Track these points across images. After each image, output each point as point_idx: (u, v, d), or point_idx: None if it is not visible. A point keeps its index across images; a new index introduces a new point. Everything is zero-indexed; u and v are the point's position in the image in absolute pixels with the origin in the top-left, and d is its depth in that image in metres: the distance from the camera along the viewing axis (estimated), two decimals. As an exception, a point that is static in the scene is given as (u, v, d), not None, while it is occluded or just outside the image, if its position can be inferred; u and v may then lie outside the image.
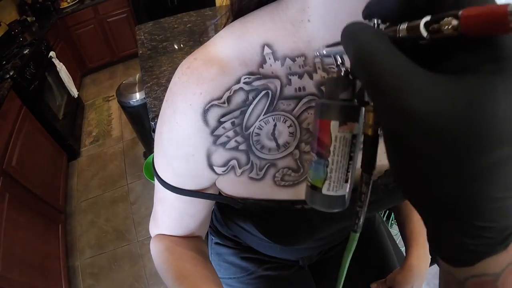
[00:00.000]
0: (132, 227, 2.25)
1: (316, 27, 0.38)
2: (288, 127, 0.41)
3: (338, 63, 0.27)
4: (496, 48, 0.17)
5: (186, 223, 0.56)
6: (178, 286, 0.49)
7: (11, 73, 2.15)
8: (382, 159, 0.50)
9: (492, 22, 0.16)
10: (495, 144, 0.17)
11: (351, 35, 0.22)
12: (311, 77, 0.40)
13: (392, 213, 1.53)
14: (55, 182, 2.35)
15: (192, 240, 0.59)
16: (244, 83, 0.38)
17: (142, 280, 1.94)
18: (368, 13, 0.23)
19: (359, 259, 0.83)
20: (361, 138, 0.27)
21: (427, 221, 0.22)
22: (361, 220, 0.33)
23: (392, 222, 1.63)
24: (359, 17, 0.35)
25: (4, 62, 2.33)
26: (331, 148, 0.26)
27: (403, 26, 0.20)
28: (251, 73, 0.39)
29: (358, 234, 0.35)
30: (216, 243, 0.85)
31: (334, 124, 0.26)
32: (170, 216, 0.54)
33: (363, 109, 0.26)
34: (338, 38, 0.38)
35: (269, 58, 0.39)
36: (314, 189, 0.28)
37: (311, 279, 0.84)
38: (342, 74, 0.27)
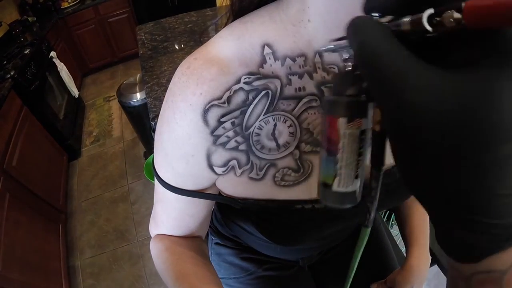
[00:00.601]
0: (133, 227, 2.25)
1: (316, 26, 0.38)
2: (288, 127, 0.41)
3: (344, 58, 0.27)
4: (503, 40, 0.17)
5: (186, 223, 0.56)
6: (178, 286, 0.48)
7: (12, 73, 2.16)
8: None
9: (497, 14, 0.15)
10: (503, 140, 0.17)
11: (355, 30, 0.22)
12: (311, 77, 0.40)
13: (393, 214, 1.53)
14: (55, 182, 2.35)
15: (192, 240, 0.59)
16: (244, 83, 0.38)
17: (142, 280, 1.94)
18: (369, 6, 0.23)
19: (360, 258, 0.83)
20: (370, 134, 0.27)
21: (434, 219, 0.22)
22: (372, 215, 0.33)
23: (393, 222, 1.63)
24: None
25: (5, 62, 2.33)
26: (340, 145, 0.26)
27: (407, 19, 0.20)
28: (251, 73, 0.39)
29: (369, 229, 0.35)
30: (216, 243, 0.85)
31: (341, 121, 0.25)
32: (170, 216, 0.54)
33: (371, 104, 0.26)
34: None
35: (269, 58, 0.39)
36: (325, 186, 0.28)
37: (311, 280, 0.84)
38: (349, 69, 0.26)
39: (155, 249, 0.57)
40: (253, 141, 0.41)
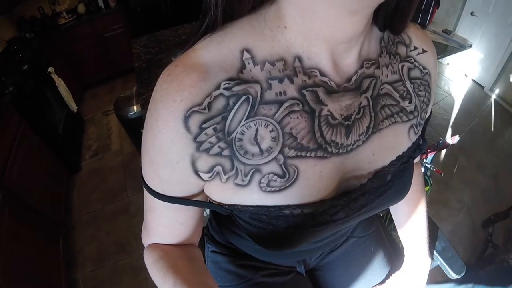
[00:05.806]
0: (133, 240, 2.25)
1: (293, 33, 0.39)
2: (270, 131, 0.41)
3: None
4: None
5: (177, 231, 0.55)
6: None
7: (10, 89, 2.17)
8: (372, 161, 0.50)
9: None
10: None
11: None
12: (291, 81, 0.40)
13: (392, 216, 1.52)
14: (55, 196, 2.35)
15: (185, 248, 0.58)
16: (224, 88, 0.39)
17: (144, 292, 1.92)
18: None
19: (359, 263, 0.83)
20: None
21: None
22: None
23: (393, 226, 1.61)
24: (333, 26, 0.37)
25: (3, 78, 2.34)
26: None
27: None
28: (231, 79, 0.39)
29: None
30: (213, 251, 0.84)
31: None
32: (160, 224, 0.54)
33: None
34: (315, 45, 0.39)
35: (249, 63, 0.40)
36: None
37: (309, 286, 0.83)
38: None
39: (150, 259, 0.57)
40: (236, 147, 0.41)
